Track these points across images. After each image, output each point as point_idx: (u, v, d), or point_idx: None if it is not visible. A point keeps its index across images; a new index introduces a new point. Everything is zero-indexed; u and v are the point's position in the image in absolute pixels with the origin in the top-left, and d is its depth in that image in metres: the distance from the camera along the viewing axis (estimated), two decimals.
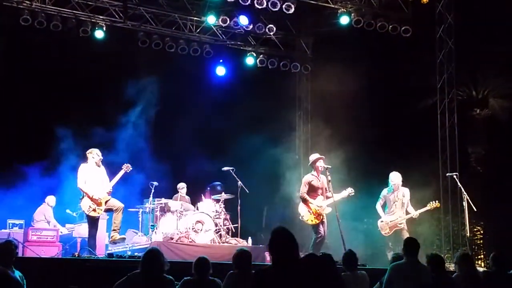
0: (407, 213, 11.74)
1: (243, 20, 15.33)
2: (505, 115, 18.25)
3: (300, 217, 11.22)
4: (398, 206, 11.75)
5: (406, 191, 11.85)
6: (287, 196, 15.03)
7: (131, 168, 11.15)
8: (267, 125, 16.03)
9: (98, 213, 10.64)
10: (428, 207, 11.82)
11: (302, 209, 11.21)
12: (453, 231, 14.43)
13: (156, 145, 14.58)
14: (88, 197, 10.54)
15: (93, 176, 10.72)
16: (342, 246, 10.62)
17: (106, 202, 10.69)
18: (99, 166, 10.84)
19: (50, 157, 14.07)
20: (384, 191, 11.89)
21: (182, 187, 14.14)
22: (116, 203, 10.83)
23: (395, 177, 11.81)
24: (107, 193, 10.71)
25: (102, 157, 10.89)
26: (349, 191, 11.34)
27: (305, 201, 11.15)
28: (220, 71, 16.85)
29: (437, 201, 11.93)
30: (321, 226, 11.09)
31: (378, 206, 11.90)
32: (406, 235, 11.41)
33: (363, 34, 15.56)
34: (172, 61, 15.96)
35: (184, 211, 13.13)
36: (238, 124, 15.53)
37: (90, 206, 10.53)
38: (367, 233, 14.21)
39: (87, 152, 10.89)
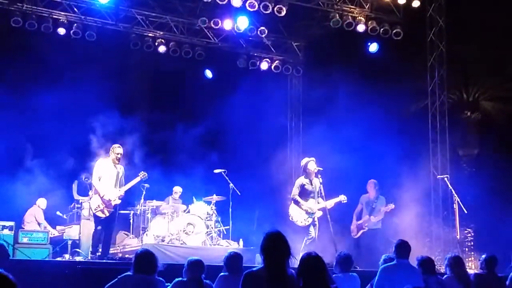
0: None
1: (242, 22, 15.21)
2: (496, 118, 18.32)
3: (290, 219, 11.23)
4: (368, 211, 12.58)
5: (382, 199, 12.38)
6: (278, 198, 15.03)
7: (147, 177, 11.07)
8: (259, 127, 16.03)
9: (105, 214, 10.47)
10: (387, 208, 12.57)
11: (292, 210, 11.22)
12: (444, 233, 14.46)
13: (148, 146, 14.56)
14: (99, 196, 10.42)
15: (108, 174, 10.55)
16: (334, 248, 10.65)
17: (114, 205, 10.55)
18: (116, 163, 10.63)
19: (43, 159, 14.02)
20: (362, 197, 12.79)
21: (177, 191, 14.16)
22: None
23: (372, 185, 12.75)
24: (118, 196, 10.56)
25: (118, 155, 10.62)
26: (342, 198, 11.47)
27: (296, 202, 11.17)
28: (209, 74, 16.85)
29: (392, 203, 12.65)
30: (312, 227, 11.13)
31: (355, 212, 12.79)
32: (376, 237, 11.95)
33: (354, 37, 15.60)
34: (162, 63, 15.96)
35: (175, 213, 13.13)
36: (229, 126, 15.52)
37: (99, 206, 10.41)
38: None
39: (111, 147, 10.73)
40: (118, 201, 10.60)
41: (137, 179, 10.89)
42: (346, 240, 12.72)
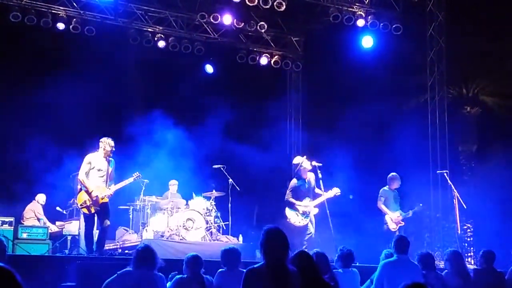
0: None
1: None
2: (495, 113, 18.32)
3: (288, 220, 11.24)
4: (398, 205, 12.13)
5: (397, 193, 12.17)
6: (277, 194, 15.03)
7: (141, 177, 10.85)
8: (258, 122, 16.03)
9: (91, 211, 10.12)
10: (415, 209, 12.22)
11: (289, 212, 11.25)
12: (443, 228, 14.48)
13: (146, 141, 14.55)
14: (87, 192, 10.05)
15: (98, 170, 10.16)
16: (333, 243, 10.65)
17: (102, 203, 10.13)
18: (107, 157, 10.23)
19: (40, 154, 14.00)
20: (385, 190, 12.14)
21: (173, 184, 14.10)
22: (106, 220, 10.15)
23: (397, 178, 12.17)
24: (107, 195, 10.15)
25: (113, 149, 10.24)
26: (335, 191, 11.40)
27: (291, 205, 11.21)
28: (209, 69, 16.85)
29: (421, 204, 12.35)
30: (309, 223, 11.18)
31: (381, 205, 12.06)
32: (402, 231, 11.77)
33: (354, 32, 15.58)
34: (162, 58, 15.95)
35: (175, 209, 13.13)
36: (229, 121, 15.51)
37: (85, 202, 10.04)
38: (359, 230, 14.24)
39: (100, 141, 10.26)
40: (106, 200, 10.18)
41: (130, 179, 10.55)
42: (346, 235, 12.69)
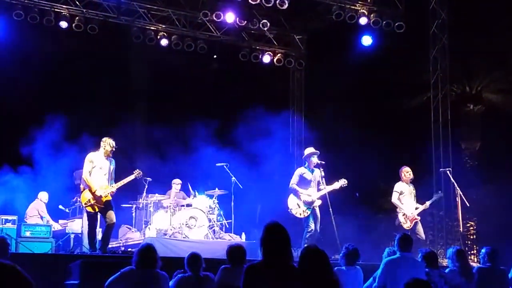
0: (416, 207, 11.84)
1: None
2: (499, 110, 18.30)
3: (289, 210, 11.19)
4: (412, 199, 11.83)
5: (412, 186, 11.96)
6: (280, 192, 15.02)
7: (141, 175, 10.81)
8: (260, 120, 16.02)
9: (95, 210, 10.06)
10: (434, 198, 12.10)
11: (291, 202, 11.19)
12: (446, 226, 14.47)
13: (148, 139, 14.57)
14: (91, 191, 10.00)
15: (100, 168, 10.12)
16: (337, 240, 10.64)
17: (105, 202, 10.08)
18: (108, 157, 10.17)
19: (41, 152, 14.02)
20: (401, 184, 11.82)
21: (177, 183, 14.11)
22: (112, 216, 10.08)
23: (409, 171, 11.89)
24: (110, 193, 10.13)
25: (114, 148, 10.15)
26: (342, 182, 11.32)
27: (295, 192, 11.14)
28: (214, 66, 16.88)
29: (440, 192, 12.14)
30: (311, 219, 11.04)
31: (397, 201, 11.69)
32: (421, 229, 11.58)
33: (356, 30, 15.57)
34: (165, 56, 15.96)
35: (177, 207, 13.14)
36: (231, 120, 15.52)
37: (89, 200, 9.98)
38: (361, 228, 14.24)
39: (101, 140, 10.20)
40: (109, 198, 10.14)
41: (131, 177, 10.52)
42: (347, 232, 12.67)
